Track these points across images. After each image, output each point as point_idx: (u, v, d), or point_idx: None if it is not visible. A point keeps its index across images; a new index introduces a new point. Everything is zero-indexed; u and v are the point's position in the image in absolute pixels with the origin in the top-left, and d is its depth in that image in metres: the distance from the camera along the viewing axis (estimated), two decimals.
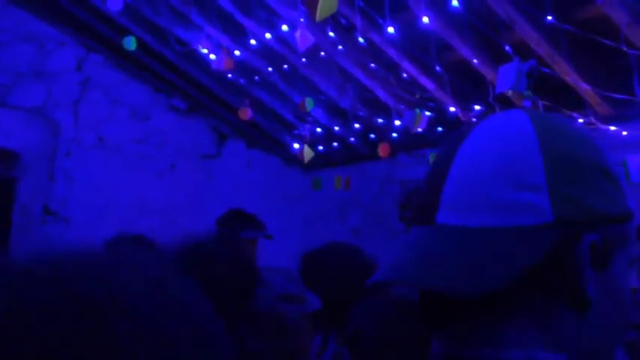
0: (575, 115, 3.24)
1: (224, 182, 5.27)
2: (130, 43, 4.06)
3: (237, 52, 4.17)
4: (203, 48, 4.29)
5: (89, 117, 5.02)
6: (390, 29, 3.21)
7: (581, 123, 3.27)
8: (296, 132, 4.99)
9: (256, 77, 4.52)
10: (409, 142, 4.42)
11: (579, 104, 3.27)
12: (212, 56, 4.22)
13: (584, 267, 0.56)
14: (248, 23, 3.92)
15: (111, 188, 4.88)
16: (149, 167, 5.10)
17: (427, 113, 3.94)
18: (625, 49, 2.66)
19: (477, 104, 3.69)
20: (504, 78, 2.83)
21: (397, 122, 4.23)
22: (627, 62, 2.82)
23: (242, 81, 4.56)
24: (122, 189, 4.92)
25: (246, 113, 4.38)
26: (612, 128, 3.16)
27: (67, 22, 4.86)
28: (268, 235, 3.34)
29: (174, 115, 5.23)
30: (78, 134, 4.99)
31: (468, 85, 3.74)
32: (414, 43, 3.48)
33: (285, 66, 4.23)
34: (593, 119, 3.19)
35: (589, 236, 0.57)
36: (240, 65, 4.38)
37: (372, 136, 4.56)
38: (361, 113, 4.50)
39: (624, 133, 3.15)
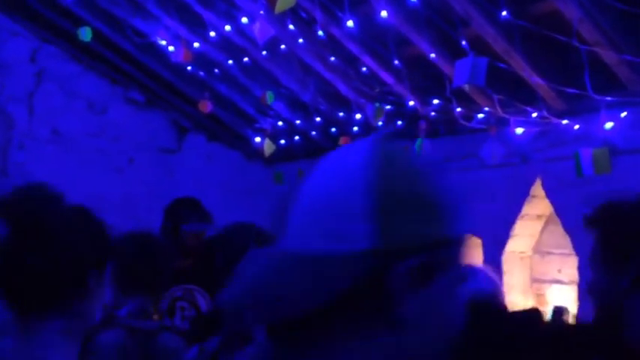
0: (529, 109, 3.31)
1: (184, 177, 5.21)
2: (86, 34, 3.97)
3: (196, 44, 4.12)
4: (161, 39, 4.22)
5: (44, 110, 4.89)
6: (350, 23, 3.22)
7: (535, 117, 3.35)
8: (257, 125, 4.97)
9: (216, 70, 4.47)
10: (369, 135, 4.45)
11: (534, 99, 3.34)
12: (171, 48, 4.16)
13: (400, 289, 0.63)
14: (207, 15, 3.88)
15: (66, 183, 4.74)
16: (106, 162, 5.00)
17: (387, 107, 3.97)
18: (576, 44, 2.72)
19: (436, 98, 3.74)
20: (461, 72, 2.88)
21: (358, 116, 4.25)
22: (579, 57, 2.89)
23: (202, 74, 4.51)
24: (78, 184, 4.78)
25: (206, 106, 4.33)
26: (565, 122, 3.24)
27: (20, 12, 4.72)
28: (215, 228, 3.23)
29: (133, 108, 5.13)
30: (32, 127, 4.85)
31: (427, 79, 3.78)
32: (374, 37, 3.50)
33: (246, 59, 4.21)
34: (546, 113, 3.26)
35: (409, 261, 0.63)
36: (199, 57, 4.33)
37: (334, 129, 4.57)
38: (322, 107, 4.50)
39: (576, 127, 3.23)
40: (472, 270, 2.02)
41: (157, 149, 5.22)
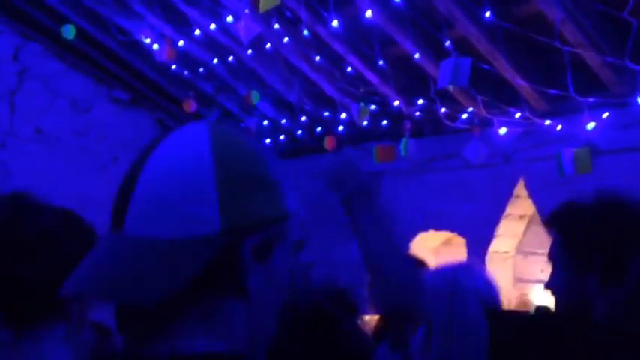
0: (512, 110, 3.34)
1: None
2: (69, 32, 3.94)
3: (180, 43, 4.10)
4: (146, 38, 4.20)
5: (27, 108, 4.83)
6: (335, 23, 3.22)
7: (518, 118, 3.37)
8: (242, 125, 4.95)
9: (201, 69, 4.45)
10: (355, 135, 4.46)
11: (517, 100, 3.37)
12: (155, 46, 4.14)
13: (245, 264, 0.68)
14: (192, 13, 3.86)
15: (50, 182, 4.72)
16: (90, 161, 4.96)
17: (372, 107, 3.98)
18: (559, 45, 2.75)
19: (420, 98, 3.75)
20: (445, 73, 2.89)
21: (343, 115, 4.25)
22: (562, 59, 2.92)
23: (186, 72, 4.49)
24: (62, 183, 4.76)
25: (190, 105, 4.31)
26: (547, 123, 3.26)
27: (3, 10, 4.67)
28: None
29: (117, 107, 5.10)
30: (14, 126, 4.80)
31: (412, 79, 3.80)
32: (359, 37, 3.51)
33: (231, 58, 4.19)
34: (529, 114, 3.29)
35: (252, 239, 0.69)
36: (184, 56, 4.31)
37: (319, 129, 4.57)
38: (307, 106, 4.50)
39: (559, 127, 3.26)
40: (470, 267, 2.04)
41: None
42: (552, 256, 1.51)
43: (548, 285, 1.52)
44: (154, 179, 0.67)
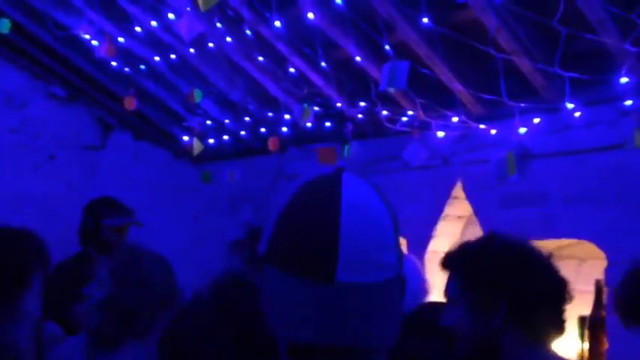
0: (449, 113, 3.42)
1: (109, 175, 5.05)
2: (4, 26, 3.80)
3: (121, 39, 4.01)
4: (84, 33, 4.09)
5: None
6: (277, 23, 3.22)
7: (455, 121, 3.46)
8: (185, 124, 4.89)
9: (142, 66, 4.37)
10: (299, 136, 4.47)
11: (454, 103, 3.46)
12: (94, 42, 4.04)
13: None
14: (132, 9, 3.79)
15: None
16: (25, 158, 4.79)
17: (315, 108, 4.00)
18: (493, 52, 2.84)
19: (362, 101, 3.80)
20: (386, 76, 2.94)
21: (287, 116, 4.26)
22: (497, 64, 3.02)
23: (127, 70, 4.40)
24: None
25: (131, 103, 4.23)
26: (482, 126, 3.36)
27: None
28: (136, 222, 3.20)
29: (54, 104, 4.93)
30: None
31: (354, 82, 3.84)
32: (302, 38, 3.52)
33: (173, 56, 4.13)
34: (465, 118, 3.38)
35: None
36: (125, 53, 4.22)
37: (263, 130, 4.57)
38: (251, 107, 4.49)
39: (493, 131, 3.37)
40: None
41: (79, 146, 5.04)
42: (450, 295, 1.55)
43: (446, 322, 1.54)
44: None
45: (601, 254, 3.03)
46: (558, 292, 1.48)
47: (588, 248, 3.17)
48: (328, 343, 0.70)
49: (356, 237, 0.71)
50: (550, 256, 1.53)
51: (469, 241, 1.61)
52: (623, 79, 2.66)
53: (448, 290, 1.55)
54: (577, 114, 2.98)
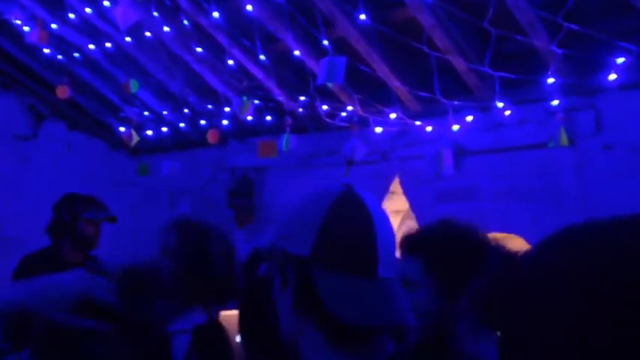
0: (387, 110, 3.47)
1: (41, 166, 4.87)
2: None
3: (54, 26, 3.87)
4: (16, 19, 3.93)
5: None
6: (215, 14, 3.18)
7: (393, 118, 3.52)
8: (122, 115, 4.77)
9: (77, 54, 4.23)
10: (240, 129, 4.44)
11: (392, 100, 3.51)
12: (26, 28, 3.88)
13: None
14: None
15: None
16: None
17: (256, 101, 3.98)
18: (427, 50, 2.90)
19: (302, 95, 3.81)
20: (323, 71, 2.95)
21: (227, 109, 4.22)
22: (433, 63, 3.08)
23: (61, 57, 4.25)
24: None
25: (64, 92, 4.09)
26: (418, 123, 3.43)
27: None
28: (112, 217, 3.22)
29: None
30: None
31: (295, 76, 3.84)
32: (241, 30, 3.49)
33: (109, 44, 4.02)
34: (402, 114, 3.44)
35: None
36: (58, 40, 4.08)
37: (203, 122, 4.50)
38: (191, 98, 4.42)
39: (428, 128, 3.44)
40: None
41: (10, 136, 4.84)
42: (411, 279, 1.51)
43: (418, 313, 1.54)
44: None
45: (529, 248, 3.15)
46: None
47: (518, 242, 3.29)
48: (376, 324, 0.91)
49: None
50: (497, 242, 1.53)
51: (426, 225, 1.60)
52: (550, 80, 2.76)
53: (408, 274, 1.51)
54: (507, 113, 3.08)
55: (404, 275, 1.54)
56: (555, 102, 2.91)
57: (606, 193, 3.00)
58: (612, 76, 2.69)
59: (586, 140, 3.01)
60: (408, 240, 1.55)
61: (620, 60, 2.62)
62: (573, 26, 2.52)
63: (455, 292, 1.43)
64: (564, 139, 2.80)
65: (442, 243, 1.50)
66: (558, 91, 2.89)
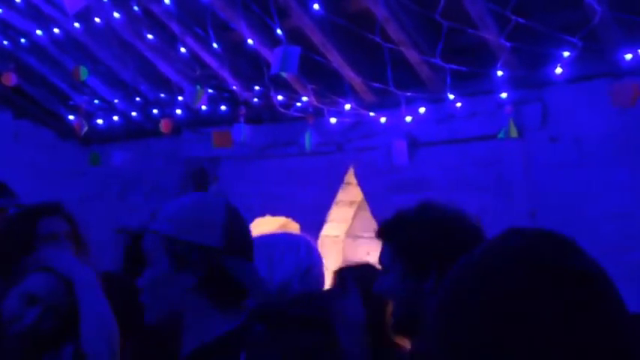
0: (342, 101, 3.48)
1: None
2: None
3: None
4: None
5: None
6: (167, 0, 3.12)
7: (348, 109, 3.53)
8: (71, 103, 4.64)
9: (23, 40, 4.09)
10: (194, 119, 4.38)
11: (347, 91, 3.52)
12: None
13: None
14: None
15: None
16: None
17: (210, 91, 3.93)
18: (380, 41, 2.91)
19: (257, 85, 3.78)
20: (276, 61, 2.93)
21: (180, 98, 4.16)
22: (388, 54, 3.10)
23: (6, 43, 4.09)
24: None
25: (9, 79, 3.95)
26: (371, 114, 3.45)
27: None
28: (20, 205, 3.06)
29: None
30: None
31: (249, 65, 3.81)
32: (194, 18, 3.44)
33: (57, 30, 3.90)
34: (356, 106, 3.45)
35: None
36: (4, 26, 3.93)
37: (156, 111, 4.42)
38: (143, 87, 4.33)
39: (383, 119, 3.47)
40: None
41: None
42: (384, 263, 1.56)
43: (378, 289, 1.57)
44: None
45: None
46: None
47: None
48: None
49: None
50: (479, 225, 1.54)
51: (403, 209, 1.61)
52: (499, 73, 2.82)
53: (381, 258, 1.55)
54: (458, 105, 3.13)
55: (380, 260, 1.58)
56: (504, 94, 2.98)
57: (552, 184, 3.09)
58: (559, 70, 2.77)
59: (533, 132, 3.09)
60: (381, 226, 1.59)
61: (566, 53, 2.70)
62: (521, 20, 2.58)
63: (422, 275, 1.46)
64: (513, 130, 2.87)
65: (408, 227, 1.52)
66: (507, 83, 2.96)
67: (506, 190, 3.19)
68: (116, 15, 3.52)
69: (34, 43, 4.14)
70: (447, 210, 1.55)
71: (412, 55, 3.18)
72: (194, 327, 1.24)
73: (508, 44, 2.71)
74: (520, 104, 3.12)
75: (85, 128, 4.18)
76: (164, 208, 1.31)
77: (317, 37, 3.32)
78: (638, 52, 2.65)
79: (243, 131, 3.84)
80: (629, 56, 2.68)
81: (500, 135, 2.88)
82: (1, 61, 4.24)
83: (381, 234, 1.60)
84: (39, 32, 3.96)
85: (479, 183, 3.27)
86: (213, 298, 1.23)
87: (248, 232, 1.29)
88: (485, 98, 3.14)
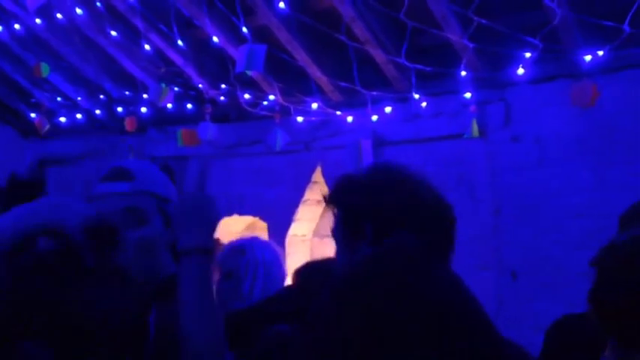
0: (308, 99, 3.48)
1: None
2: None
3: None
4: None
5: None
6: None
7: (314, 108, 3.53)
8: (33, 100, 4.54)
9: None
10: (159, 117, 4.32)
11: (313, 90, 3.52)
12: None
13: None
14: None
15: None
16: None
17: (175, 89, 3.89)
18: (345, 40, 2.92)
19: (224, 83, 3.75)
20: (242, 59, 2.92)
21: (145, 96, 4.10)
22: (354, 53, 3.11)
23: None
24: None
25: None
26: (338, 113, 3.46)
27: None
28: None
29: None
30: None
31: (214, 63, 3.78)
32: (158, 14, 3.39)
33: (17, 26, 3.80)
34: (324, 104, 3.45)
35: None
36: None
37: (120, 109, 4.35)
38: (107, 84, 4.26)
39: (349, 118, 3.47)
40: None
41: None
42: (334, 234, 1.51)
43: (334, 263, 1.53)
44: None
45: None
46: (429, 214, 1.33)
47: None
48: None
49: None
50: (432, 186, 1.45)
51: (351, 174, 1.53)
52: (463, 73, 2.85)
53: (332, 229, 1.41)
54: (423, 104, 3.15)
55: (331, 230, 1.52)
56: (468, 94, 3.01)
57: (515, 183, 3.14)
58: (520, 70, 2.81)
59: (496, 132, 3.13)
60: (330, 191, 1.51)
61: (528, 54, 2.74)
62: (483, 21, 2.61)
63: (357, 236, 1.32)
64: (476, 130, 2.90)
65: (346, 190, 1.47)
66: (471, 83, 2.99)
67: (470, 189, 3.22)
68: (79, 11, 3.45)
69: None
70: (392, 170, 1.45)
71: (378, 55, 3.19)
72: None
73: (471, 45, 2.74)
74: (483, 104, 3.16)
75: (47, 126, 4.09)
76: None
77: (283, 36, 3.31)
78: (597, 54, 2.71)
79: (209, 130, 3.80)
80: (588, 57, 2.73)
81: (465, 135, 2.92)
82: None
83: (328, 201, 1.51)
84: None
85: (444, 183, 3.28)
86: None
87: None
88: (449, 98, 3.17)
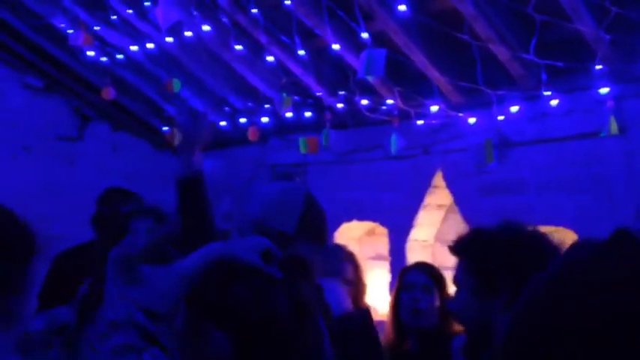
0: (428, 102, 3.42)
1: (86, 167, 4.99)
2: None
3: (96, 28, 3.96)
4: (60, 22, 4.03)
5: None
6: (254, 10, 3.20)
7: (435, 110, 3.46)
8: (166, 114, 4.84)
9: (120, 56, 4.32)
10: (280, 126, 4.45)
11: (433, 92, 3.46)
12: (69, 31, 3.98)
13: None
14: None
15: None
16: (0, 149, 4.71)
17: (295, 97, 3.99)
18: (469, 40, 2.84)
19: (342, 90, 3.79)
20: (363, 64, 2.93)
21: (267, 106, 4.24)
22: (474, 53, 3.02)
23: (104, 59, 4.34)
24: None
25: (108, 93, 4.17)
26: (460, 115, 3.37)
27: None
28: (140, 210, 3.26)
29: (29, 94, 4.85)
30: None
31: (334, 71, 3.83)
32: (280, 27, 3.50)
33: (151, 45, 4.08)
34: (444, 106, 3.38)
35: None
36: (101, 42, 4.17)
37: (243, 120, 4.53)
38: (231, 97, 4.45)
39: (472, 120, 3.37)
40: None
41: (55, 137, 4.97)
42: (458, 280, 1.58)
43: (451, 307, 1.59)
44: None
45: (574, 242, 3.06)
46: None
47: (567, 235, 3.20)
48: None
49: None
50: (559, 244, 1.52)
51: (480, 227, 1.64)
52: (598, 67, 2.67)
53: (455, 274, 1.57)
54: (554, 102, 2.99)
55: (453, 277, 1.59)
56: (605, 89, 2.81)
57: None
58: None
59: (635, 129, 2.90)
60: (456, 242, 1.63)
61: None
62: (620, 10, 2.43)
63: (493, 291, 1.46)
64: (614, 127, 2.70)
65: (481, 245, 1.54)
66: (607, 78, 2.79)
67: (606, 191, 3.01)
68: (206, 28, 3.64)
69: (129, 59, 4.36)
70: (525, 228, 1.54)
71: (501, 52, 3.07)
72: None
73: (607, 37, 2.56)
74: (620, 99, 2.94)
75: (179, 139, 4.34)
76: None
77: (400, 39, 3.29)
78: None
79: (329, 137, 3.86)
80: None
81: (602, 133, 2.72)
82: (100, 76, 4.49)
83: (454, 249, 1.59)
84: (134, 48, 4.16)
85: (576, 184, 3.11)
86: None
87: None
88: (582, 94, 2.98)
